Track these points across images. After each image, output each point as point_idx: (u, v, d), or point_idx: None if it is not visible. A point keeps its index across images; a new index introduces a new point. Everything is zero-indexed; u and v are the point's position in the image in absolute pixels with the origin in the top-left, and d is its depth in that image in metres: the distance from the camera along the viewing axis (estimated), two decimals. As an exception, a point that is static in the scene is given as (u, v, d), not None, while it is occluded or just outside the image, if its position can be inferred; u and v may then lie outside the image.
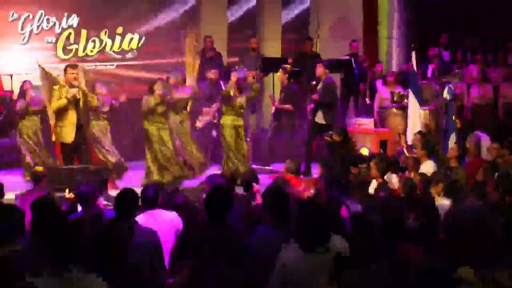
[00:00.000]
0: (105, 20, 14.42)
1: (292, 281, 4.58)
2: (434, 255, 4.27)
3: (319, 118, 11.63)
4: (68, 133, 10.14)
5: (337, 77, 13.66)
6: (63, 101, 10.05)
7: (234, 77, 11.43)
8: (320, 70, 11.77)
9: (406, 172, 9.12)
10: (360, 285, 4.12)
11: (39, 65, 10.82)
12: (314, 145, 11.97)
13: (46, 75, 10.64)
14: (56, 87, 10.15)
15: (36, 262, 4.28)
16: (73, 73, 10.11)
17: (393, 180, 8.74)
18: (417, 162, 9.19)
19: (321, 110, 11.60)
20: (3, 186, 8.35)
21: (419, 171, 8.78)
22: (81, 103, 10.16)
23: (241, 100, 11.28)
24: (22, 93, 11.93)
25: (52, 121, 10.52)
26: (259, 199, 7.32)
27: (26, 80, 12.06)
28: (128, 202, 5.75)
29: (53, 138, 10.54)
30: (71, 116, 10.12)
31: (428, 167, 8.95)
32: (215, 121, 12.17)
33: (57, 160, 11.14)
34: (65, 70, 10.36)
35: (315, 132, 11.76)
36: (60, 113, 10.14)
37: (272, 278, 4.67)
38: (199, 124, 12.29)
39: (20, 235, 4.81)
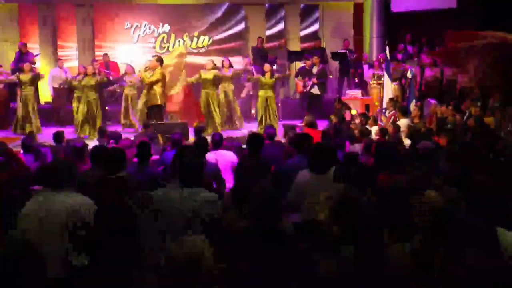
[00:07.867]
0: (186, 27, 14.23)
1: (302, 194, 4.00)
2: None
3: (316, 90, 11.79)
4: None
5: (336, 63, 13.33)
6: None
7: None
8: (315, 59, 12.09)
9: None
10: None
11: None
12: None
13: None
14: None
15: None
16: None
17: (373, 131, 8.43)
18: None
19: (317, 86, 11.81)
20: (106, 130, 8.35)
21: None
22: None
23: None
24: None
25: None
26: None
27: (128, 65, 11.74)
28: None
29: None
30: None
31: (404, 122, 8.59)
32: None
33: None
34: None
35: (311, 100, 11.83)
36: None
37: (289, 195, 4.19)
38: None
39: (124, 167, 4.49)
